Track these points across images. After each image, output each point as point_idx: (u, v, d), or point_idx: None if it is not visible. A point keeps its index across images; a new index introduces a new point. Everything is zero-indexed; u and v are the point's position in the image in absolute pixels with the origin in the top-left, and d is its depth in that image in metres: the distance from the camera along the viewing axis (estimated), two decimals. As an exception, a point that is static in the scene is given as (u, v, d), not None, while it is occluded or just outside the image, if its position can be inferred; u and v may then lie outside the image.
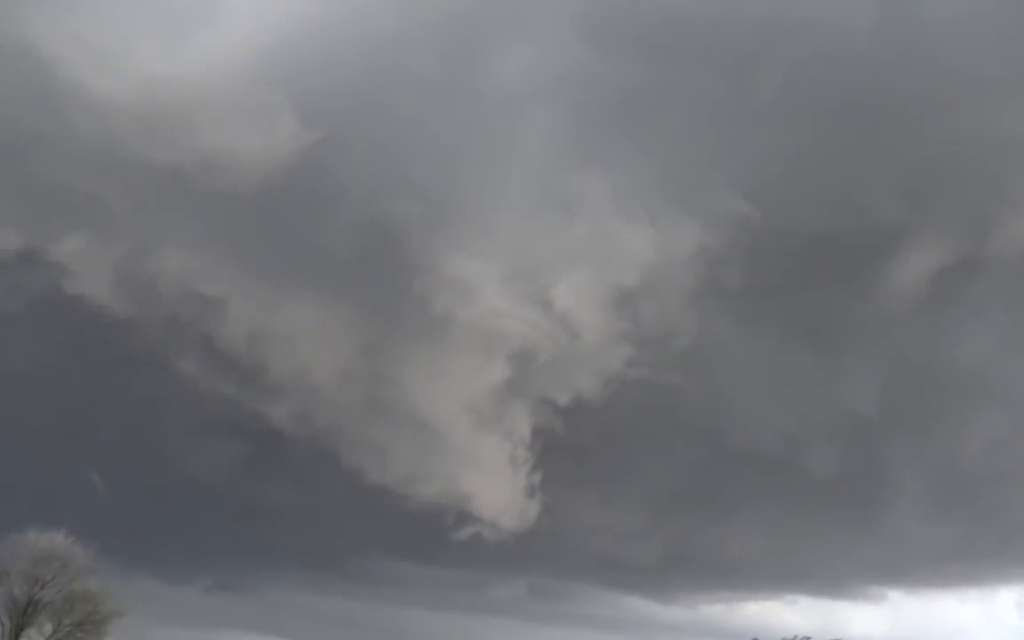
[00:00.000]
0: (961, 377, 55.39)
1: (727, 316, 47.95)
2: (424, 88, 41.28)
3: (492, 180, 41.52)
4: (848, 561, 61.56)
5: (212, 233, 43.23)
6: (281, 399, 50.40)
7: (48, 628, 30.37)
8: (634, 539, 62.96)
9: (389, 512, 55.56)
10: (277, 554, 63.80)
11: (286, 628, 65.23)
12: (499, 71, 41.49)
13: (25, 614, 29.75)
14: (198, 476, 58.78)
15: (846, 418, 56.51)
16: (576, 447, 51.04)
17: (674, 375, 53.18)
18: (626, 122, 41.04)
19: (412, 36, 40.74)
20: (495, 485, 50.39)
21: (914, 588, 74.30)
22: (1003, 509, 56.83)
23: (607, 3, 41.41)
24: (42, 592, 30.00)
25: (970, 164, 39.62)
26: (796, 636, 51.85)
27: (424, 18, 40.54)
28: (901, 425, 59.20)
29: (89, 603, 30.35)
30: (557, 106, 41.13)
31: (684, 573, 66.31)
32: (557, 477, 50.96)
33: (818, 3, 39.21)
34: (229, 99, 40.65)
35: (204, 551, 65.19)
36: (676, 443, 58.89)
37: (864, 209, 41.48)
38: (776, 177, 40.43)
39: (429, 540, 57.48)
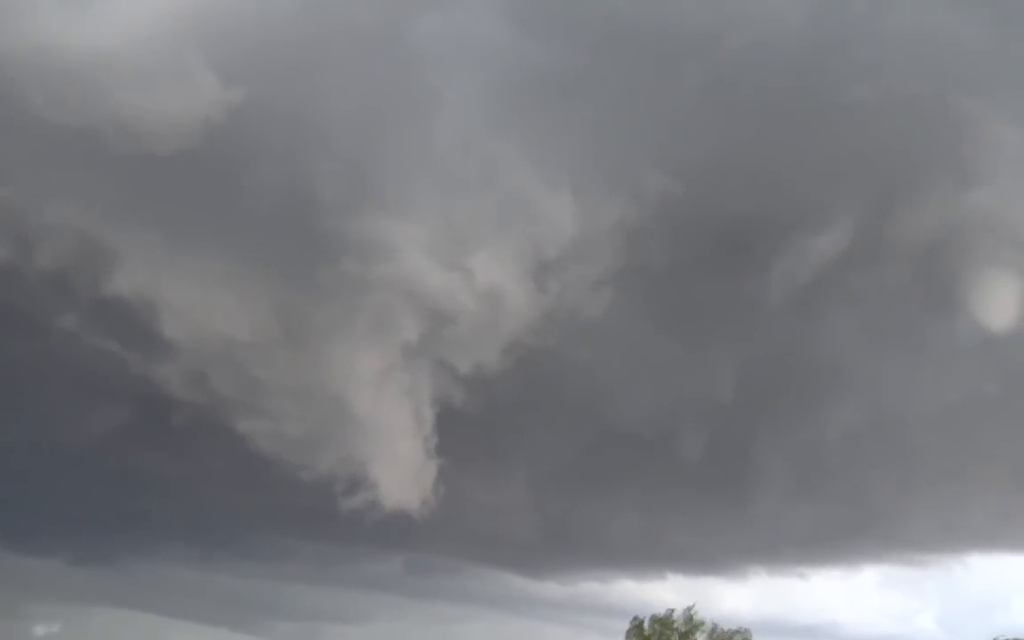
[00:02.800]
0: (825, 365, 58.93)
1: (628, 294, 49.22)
2: (350, 48, 40.60)
3: (414, 144, 41.25)
4: (719, 540, 64.54)
5: (116, 192, 41.22)
6: (172, 361, 48.57)
7: None
8: (515, 516, 63.93)
9: (280, 483, 54.39)
10: (153, 526, 61.54)
11: (160, 604, 63.14)
12: (426, 34, 41.20)
13: None
14: (67, 441, 55.93)
15: (717, 403, 58.92)
16: (470, 419, 51.22)
17: (573, 351, 54.34)
18: (555, 99, 41.55)
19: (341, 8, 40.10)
20: (394, 456, 50.08)
21: (780, 566, 78.61)
22: (863, 491, 60.82)
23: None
24: None
25: (879, 159, 42.16)
26: (671, 609, 54.03)
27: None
28: (767, 410, 62.43)
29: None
30: (485, 77, 41.20)
31: (563, 551, 67.92)
32: (450, 450, 51.09)
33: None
34: (145, 60, 38.91)
35: (69, 521, 62.12)
36: (562, 420, 60.19)
37: (784, 194, 43.43)
38: (701, 160, 41.84)
39: (319, 513, 56.67)
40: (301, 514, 58.98)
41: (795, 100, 40.82)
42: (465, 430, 50.38)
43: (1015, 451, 54.52)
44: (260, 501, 58.03)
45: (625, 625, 55.21)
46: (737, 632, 50.88)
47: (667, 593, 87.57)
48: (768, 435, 61.26)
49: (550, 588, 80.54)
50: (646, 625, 50.76)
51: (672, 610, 51.05)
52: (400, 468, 49.60)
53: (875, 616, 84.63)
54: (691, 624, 50.16)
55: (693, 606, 50.54)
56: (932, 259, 45.44)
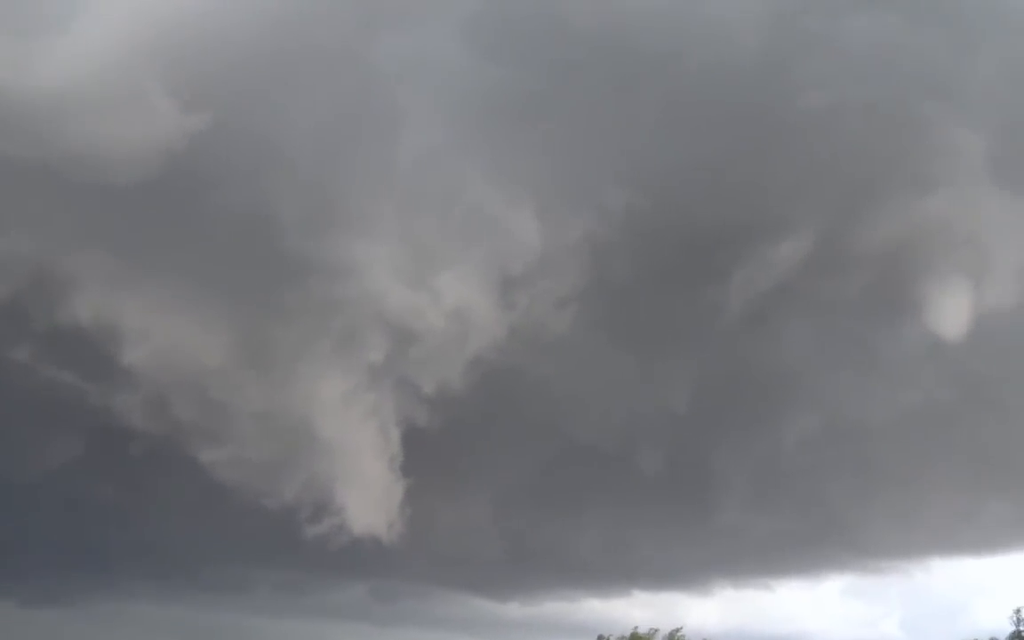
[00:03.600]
0: (783, 375, 59.82)
1: (590, 310, 49.56)
2: (311, 69, 40.52)
3: (377, 164, 41.24)
4: (682, 554, 64.99)
5: (75, 223, 40.69)
6: (131, 391, 47.78)
7: None
8: (479, 536, 63.71)
9: (242, 512, 53.59)
10: (110, 561, 60.14)
11: (119, 640, 61.51)
12: (388, 57, 41.36)
13: None
14: (15, 475, 54.57)
15: (676, 415, 59.43)
16: (434, 439, 51.04)
17: (534, 368, 54.48)
18: (518, 119, 41.91)
19: (299, 18, 40.04)
20: (359, 479, 49.62)
21: (744, 578, 79.22)
22: (823, 500, 61.67)
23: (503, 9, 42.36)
24: None
25: (842, 172, 43.11)
26: (636, 627, 54.52)
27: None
28: (726, 422, 63.14)
29: None
30: (448, 96, 41.44)
31: (528, 571, 67.75)
32: (415, 470, 50.80)
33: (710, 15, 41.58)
34: (102, 91, 38.63)
35: (22, 559, 60.47)
36: (523, 437, 60.21)
37: (743, 206, 44.10)
38: (664, 176, 42.41)
39: (282, 541, 55.86)
40: (264, 543, 58.14)
41: (753, 113, 41.68)
42: (430, 450, 50.16)
43: (971, 455, 55.87)
44: (222, 531, 57.09)
45: (590, 645, 55.72)
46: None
47: (633, 609, 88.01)
48: (727, 447, 61.98)
49: (516, 609, 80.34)
50: None
51: (636, 627, 51.72)
52: (366, 491, 49.17)
53: (840, 624, 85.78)
54: None
55: (679, 631, 51.29)
56: (888, 267, 46.48)
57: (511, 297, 42.08)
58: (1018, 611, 46.23)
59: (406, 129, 40.98)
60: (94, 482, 56.07)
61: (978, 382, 51.69)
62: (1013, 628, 46.60)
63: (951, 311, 45.32)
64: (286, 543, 54.93)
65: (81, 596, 62.00)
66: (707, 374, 58.86)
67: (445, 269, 41.10)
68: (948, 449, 55.41)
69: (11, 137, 38.53)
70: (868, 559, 72.50)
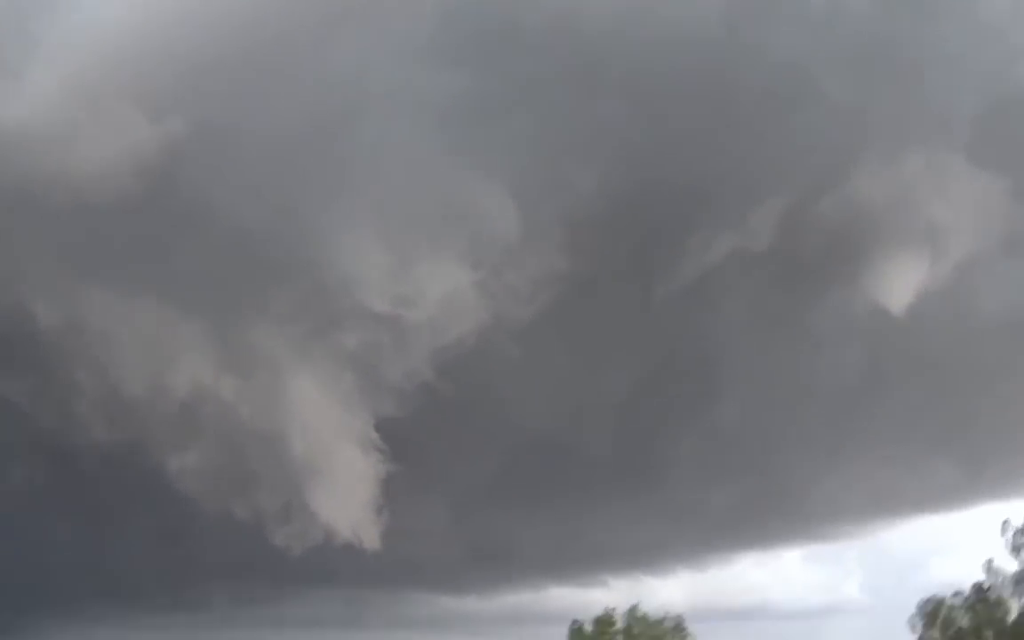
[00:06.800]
0: (721, 359, 61.63)
1: (551, 303, 50.40)
2: (274, 69, 40.70)
3: (343, 156, 41.61)
4: (642, 536, 66.11)
5: (40, 244, 40.40)
6: (95, 413, 46.78)
7: None
8: (441, 533, 63.85)
9: (209, 526, 52.75)
10: (66, 593, 58.47)
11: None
12: (351, 67, 41.89)
13: None
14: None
15: (622, 403, 60.70)
16: (402, 433, 51.12)
17: (488, 363, 55.05)
18: (474, 121, 42.82)
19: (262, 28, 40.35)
20: (331, 481, 49.38)
21: (704, 555, 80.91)
22: (774, 472, 63.60)
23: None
24: None
25: (788, 162, 44.78)
26: (613, 608, 54.91)
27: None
28: (676, 404, 64.69)
29: None
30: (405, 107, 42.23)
31: (490, 564, 68.07)
32: (385, 467, 50.77)
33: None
34: (71, 114, 38.64)
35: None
36: (478, 432, 60.65)
37: (699, 198, 45.51)
38: (616, 166, 43.63)
39: (248, 553, 55.08)
40: (229, 556, 57.24)
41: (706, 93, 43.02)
42: (397, 445, 50.21)
43: (919, 419, 58.41)
44: (188, 547, 56.02)
45: (559, 631, 56.05)
46: (670, 619, 52.73)
47: (598, 594, 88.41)
48: (678, 427, 63.51)
49: (480, 603, 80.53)
50: (587, 627, 51.78)
51: (614, 609, 52.31)
52: (337, 493, 49.03)
53: (802, 591, 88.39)
54: (632, 618, 51.64)
55: (636, 606, 52.15)
56: (834, 240, 48.34)
57: (486, 284, 42.65)
58: (990, 561, 48.02)
59: (374, 122, 41.36)
60: (50, 511, 54.61)
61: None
62: (981, 578, 48.33)
63: (897, 283, 47.23)
64: (253, 554, 54.32)
65: (41, 626, 59.96)
66: (654, 356, 60.37)
67: (418, 259, 41.54)
68: (896, 414, 57.82)
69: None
70: (824, 526, 74.94)
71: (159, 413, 44.70)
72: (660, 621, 53.03)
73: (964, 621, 48.98)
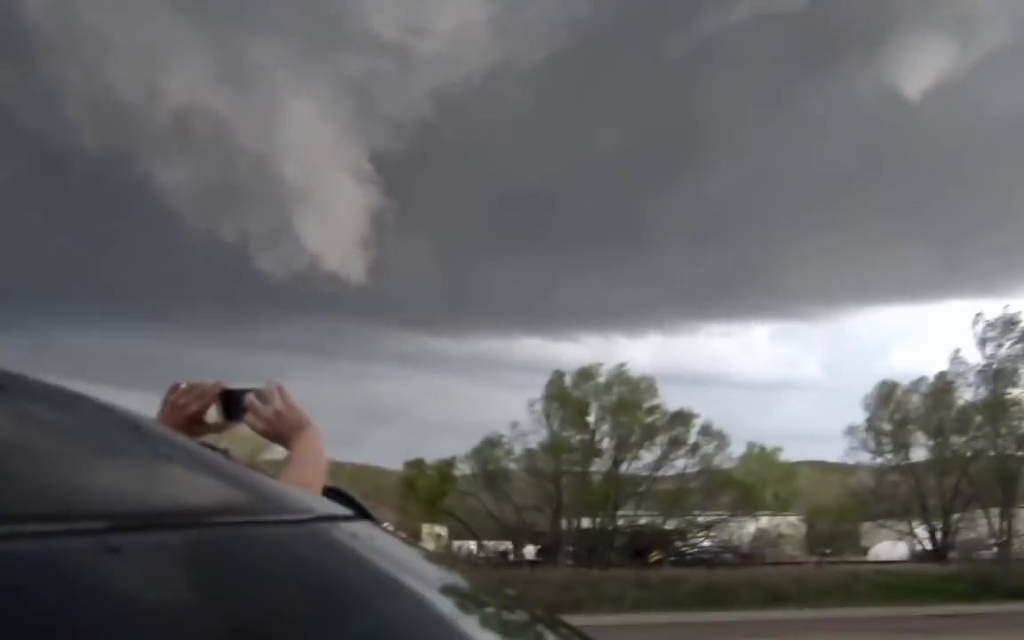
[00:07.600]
0: (720, 128, 61.41)
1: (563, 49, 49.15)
2: None
3: None
4: (617, 297, 67.73)
5: None
6: (84, 117, 45.87)
7: None
8: (425, 274, 64.93)
9: (194, 244, 53.02)
10: (53, 294, 59.16)
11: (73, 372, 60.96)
12: None
13: None
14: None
15: (614, 163, 60.68)
16: (396, 170, 50.86)
17: (482, 111, 54.34)
18: None
19: None
20: (320, 210, 49.32)
21: (674, 321, 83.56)
22: (750, 248, 64.73)
23: None
24: None
25: None
26: (600, 363, 55.75)
27: None
28: (663, 172, 64.91)
29: None
30: None
31: (467, 310, 69.72)
32: (377, 203, 50.74)
33: None
34: None
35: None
36: (474, 178, 60.64)
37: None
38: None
39: (235, 274, 55.76)
40: (212, 276, 57.87)
41: None
42: (390, 180, 49.97)
43: (891, 210, 59.10)
44: (172, 262, 56.42)
45: (530, 379, 57.61)
46: (645, 380, 53.90)
47: (569, 348, 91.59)
48: (666, 195, 63.96)
49: (453, 345, 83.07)
50: (568, 379, 52.67)
51: (600, 364, 53.01)
52: (326, 220, 49.08)
53: (765, 364, 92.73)
54: (616, 376, 52.46)
55: (624, 365, 53.02)
56: (867, 11, 46.90)
57: (501, 20, 41.17)
58: (957, 351, 49.06)
59: None
60: (32, 205, 54.34)
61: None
62: (946, 368, 49.39)
63: (921, 66, 46.25)
64: (240, 275, 54.93)
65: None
66: (649, 116, 59.93)
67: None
68: (887, 203, 58.31)
69: None
70: (796, 305, 77.56)
71: (151, 122, 43.86)
72: (638, 382, 54.08)
73: (915, 405, 50.56)
